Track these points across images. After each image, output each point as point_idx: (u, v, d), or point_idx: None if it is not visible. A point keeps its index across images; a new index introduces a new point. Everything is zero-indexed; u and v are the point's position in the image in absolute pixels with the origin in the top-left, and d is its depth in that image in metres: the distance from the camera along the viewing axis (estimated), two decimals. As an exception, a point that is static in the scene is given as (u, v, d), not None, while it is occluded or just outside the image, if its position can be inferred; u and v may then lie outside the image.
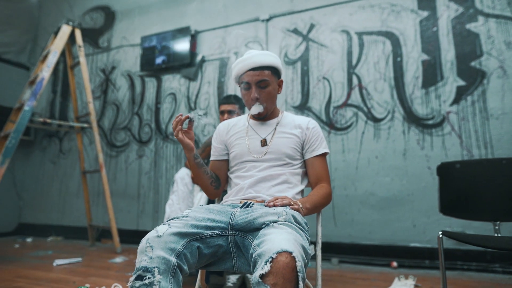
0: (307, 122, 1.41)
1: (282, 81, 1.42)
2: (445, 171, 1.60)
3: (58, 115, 4.51)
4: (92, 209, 3.89)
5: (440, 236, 1.32)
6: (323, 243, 2.87)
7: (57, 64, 4.60)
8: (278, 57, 1.38)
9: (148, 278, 0.85)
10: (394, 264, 2.62)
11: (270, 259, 0.80)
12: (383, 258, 2.71)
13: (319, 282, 1.14)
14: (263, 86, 1.33)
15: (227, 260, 1.05)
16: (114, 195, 3.86)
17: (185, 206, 2.28)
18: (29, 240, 3.99)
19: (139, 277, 0.86)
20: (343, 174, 2.93)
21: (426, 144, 2.71)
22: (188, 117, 1.22)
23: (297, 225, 1.01)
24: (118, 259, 2.92)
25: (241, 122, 1.48)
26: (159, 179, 3.72)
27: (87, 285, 1.80)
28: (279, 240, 0.85)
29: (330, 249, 2.87)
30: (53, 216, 4.30)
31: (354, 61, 3.01)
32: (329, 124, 3.03)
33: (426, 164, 2.68)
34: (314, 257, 1.24)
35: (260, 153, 1.35)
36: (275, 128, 1.40)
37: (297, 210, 1.11)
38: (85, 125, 3.70)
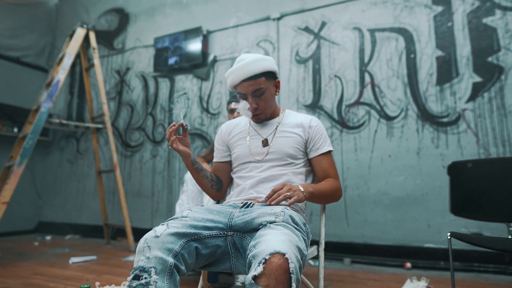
0: (309, 120, 1.39)
1: (279, 81, 1.39)
2: (456, 170, 1.56)
3: (75, 116, 4.62)
4: (108, 208, 3.96)
5: (449, 237, 1.28)
6: (335, 243, 2.85)
7: (74, 66, 4.71)
8: (270, 59, 1.32)
9: (145, 278, 0.85)
10: (408, 265, 2.56)
11: (263, 261, 0.79)
12: (396, 258, 2.66)
13: (322, 283, 1.12)
14: (259, 94, 1.30)
15: (226, 261, 1.05)
16: (129, 194, 3.93)
17: (195, 206, 2.29)
18: (48, 238, 4.10)
19: (136, 277, 0.87)
20: (356, 173, 2.89)
21: (441, 142, 2.64)
22: (181, 124, 1.21)
23: (295, 225, 1.00)
24: (132, 258, 2.97)
25: (243, 122, 1.48)
26: (173, 179, 3.76)
27: (97, 283, 1.83)
28: (273, 241, 0.84)
29: (343, 249, 2.83)
30: (71, 215, 4.41)
31: (366, 59, 2.96)
32: (341, 123, 2.99)
33: (441, 163, 2.61)
34: (317, 257, 1.23)
35: (262, 154, 1.34)
36: (276, 128, 1.38)
37: (298, 200, 1.11)
38: (100, 125, 3.77)
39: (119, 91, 4.28)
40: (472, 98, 2.58)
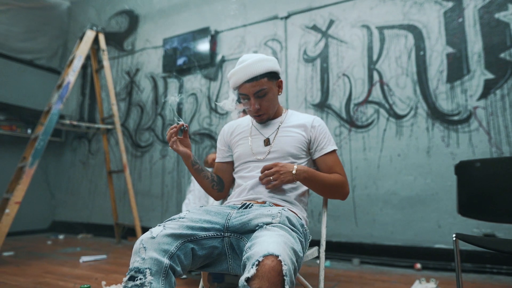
0: (311, 120, 1.38)
1: (281, 81, 1.37)
2: (464, 170, 1.51)
3: (87, 116, 4.69)
4: (118, 208, 4.01)
5: (454, 238, 1.25)
6: (343, 243, 2.82)
7: (86, 67, 4.78)
8: (272, 59, 1.31)
9: (140, 279, 0.85)
10: (418, 266, 2.52)
11: (257, 262, 0.78)
12: (406, 259, 2.61)
13: (322, 285, 1.11)
14: (261, 95, 1.29)
15: (223, 262, 1.04)
16: (139, 194, 3.97)
17: (201, 205, 2.30)
18: (61, 237, 4.18)
19: (132, 278, 0.87)
20: (364, 172, 2.85)
21: (452, 141, 2.58)
22: (182, 126, 1.21)
23: (291, 227, 0.99)
24: (141, 257, 2.99)
25: (245, 122, 1.47)
26: (182, 178, 3.78)
27: (104, 282, 1.86)
28: (268, 243, 0.83)
29: (351, 250, 2.80)
30: (83, 214, 4.48)
31: (375, 57, 2.92)
32: (350, 122, 2.95)
33: (451, 162, 2.56)
34: (318, 258, 1.21)
35: (263, 153, 1.33)
36: (278, 127, 1.37)
37: (281, 184, 1.21)
38: (110, 126, 3.82)
39: (129, 92, 4.33)
40: (483, 95, 2.52)
